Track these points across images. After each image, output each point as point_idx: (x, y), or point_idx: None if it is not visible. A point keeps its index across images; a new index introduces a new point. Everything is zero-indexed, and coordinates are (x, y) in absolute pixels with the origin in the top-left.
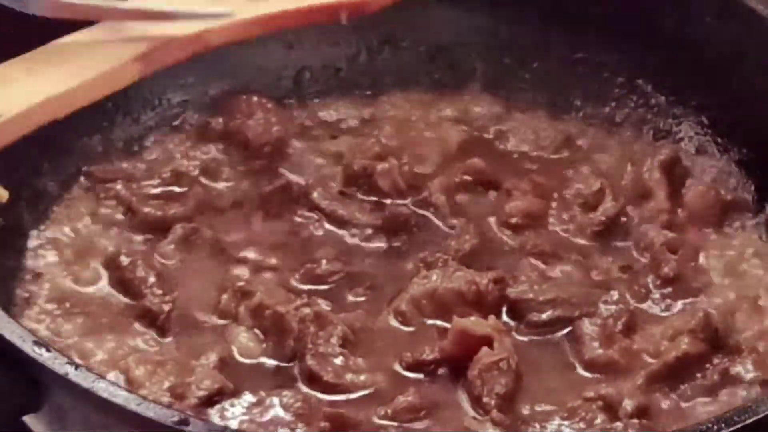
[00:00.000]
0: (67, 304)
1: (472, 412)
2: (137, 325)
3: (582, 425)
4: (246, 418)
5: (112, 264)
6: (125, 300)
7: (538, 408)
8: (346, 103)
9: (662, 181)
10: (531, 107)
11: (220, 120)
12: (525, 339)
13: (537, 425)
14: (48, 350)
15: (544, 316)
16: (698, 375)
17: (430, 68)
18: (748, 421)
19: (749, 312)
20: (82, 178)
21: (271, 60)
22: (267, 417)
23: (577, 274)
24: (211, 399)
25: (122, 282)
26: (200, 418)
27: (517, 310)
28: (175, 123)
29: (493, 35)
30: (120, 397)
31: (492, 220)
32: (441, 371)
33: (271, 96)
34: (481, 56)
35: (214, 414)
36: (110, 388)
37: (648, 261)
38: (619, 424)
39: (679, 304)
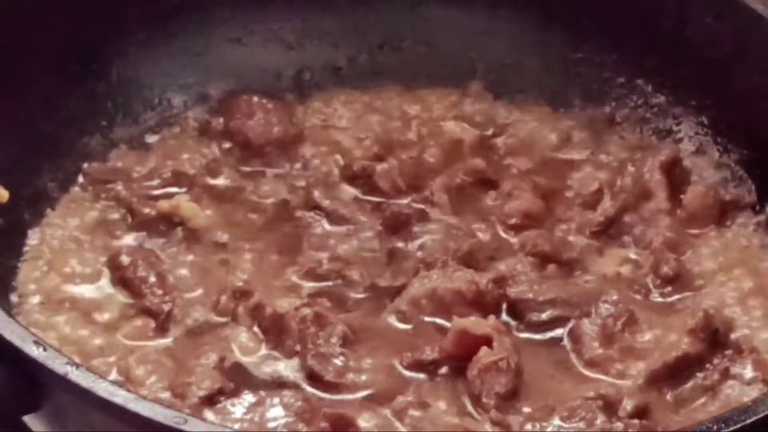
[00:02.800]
0: (67, 304)
1: (472, 412)
2: (137, 325)
3: (582, 425)
4: (246, 418)
5: (112, 264)
6: (125, 300)
7: (537, 407)
8: (346, 103)
9: (662, 182)
10: (531, 107)
11: (221, 120)
12: (525, 339)
13: (537, 425)
14: (47, 350)
15: (543, 316)
16: (698, 375)
17: (430, 68)
18: (748, 421)
19: (749, 312)
20: (82, 178)
21: (271, 60)
22: (267, 417)
23: (576, 273)
24: (211, 399)
25: (122, 282)
26: (200, 418)
27: (517, 309)
28: (175, 123)
29: (493, 35)
30: (120, 396)
31: (492, 220)
32: (441, 371)
33: (271, 96)
34: (481, 56)
35: (214, 414)
36: (110, 388)
37: (648, 261)
38: (619, 424)
39: (678, 304)
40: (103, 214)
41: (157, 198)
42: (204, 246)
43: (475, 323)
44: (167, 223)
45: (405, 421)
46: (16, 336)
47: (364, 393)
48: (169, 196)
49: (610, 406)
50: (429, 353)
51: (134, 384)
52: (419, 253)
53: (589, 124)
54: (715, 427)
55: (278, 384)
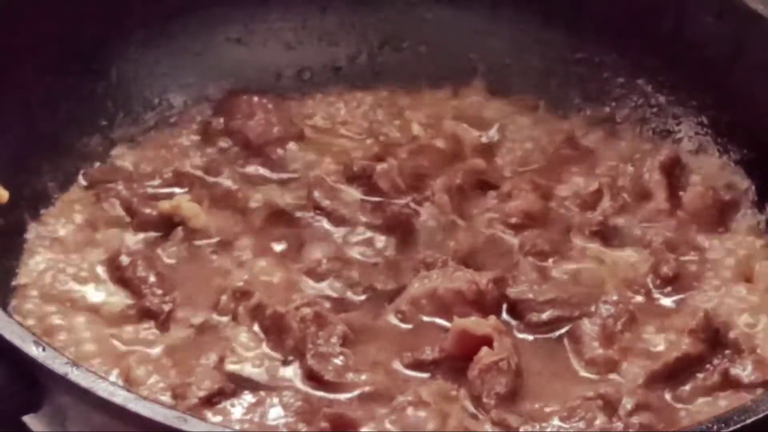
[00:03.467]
0: (68, 304)
1: (472, 412)
2: (137, 325)
3: (582, 425)
4: (246, 418)
5: (112, 264)
6: (125, 300)
7: (537, 407)
8: (346, 103)
9: (662, 182)
10: (531, 107)
11: (221, 120)
12: (525, 339)
13: (537, 425)
14: (47, 350)
15: (543, 316)
16: (698, 375)
17: (430, 68)
18: (748, 421)
19: (749, 312)
20: (81, 178)
21: (271, 60)
22: (267, 417)
23: (576, 273)
24: (211, 399)
25: (122, 282)
26: (200, 418)
27: (517, 309)
28: (175, 123)
29: (493, 35)
30: (120, 396)
31: (492, 220)
32: (441, 371)
33: (271, 96)
34: (481, 56)
35: (214, 414)
36: (110, 388)
37: (648, 261)
38: (619, 424)
39: (678, 304)
40: (103, 214)
41: (157, 198)
42: (204, 246)
43: (475, 323)
44: (167, 223)
45: (405, 421)
46: (16, 336)
47: (365, 393)
48: (169, 196)
49: (610, 406)
50: (429, 353)
51: (134, 384)
52: (419, 253)
53: (589, 124)
54: (715, 427)
55: (278, 384)
